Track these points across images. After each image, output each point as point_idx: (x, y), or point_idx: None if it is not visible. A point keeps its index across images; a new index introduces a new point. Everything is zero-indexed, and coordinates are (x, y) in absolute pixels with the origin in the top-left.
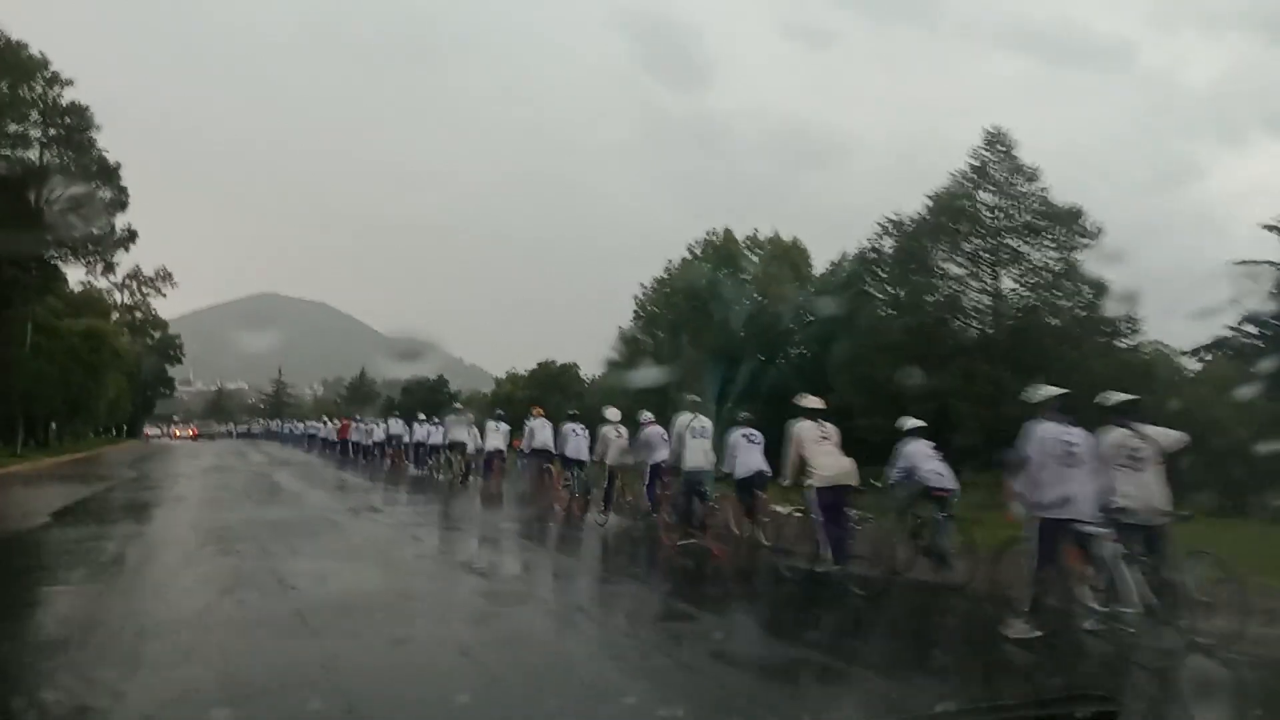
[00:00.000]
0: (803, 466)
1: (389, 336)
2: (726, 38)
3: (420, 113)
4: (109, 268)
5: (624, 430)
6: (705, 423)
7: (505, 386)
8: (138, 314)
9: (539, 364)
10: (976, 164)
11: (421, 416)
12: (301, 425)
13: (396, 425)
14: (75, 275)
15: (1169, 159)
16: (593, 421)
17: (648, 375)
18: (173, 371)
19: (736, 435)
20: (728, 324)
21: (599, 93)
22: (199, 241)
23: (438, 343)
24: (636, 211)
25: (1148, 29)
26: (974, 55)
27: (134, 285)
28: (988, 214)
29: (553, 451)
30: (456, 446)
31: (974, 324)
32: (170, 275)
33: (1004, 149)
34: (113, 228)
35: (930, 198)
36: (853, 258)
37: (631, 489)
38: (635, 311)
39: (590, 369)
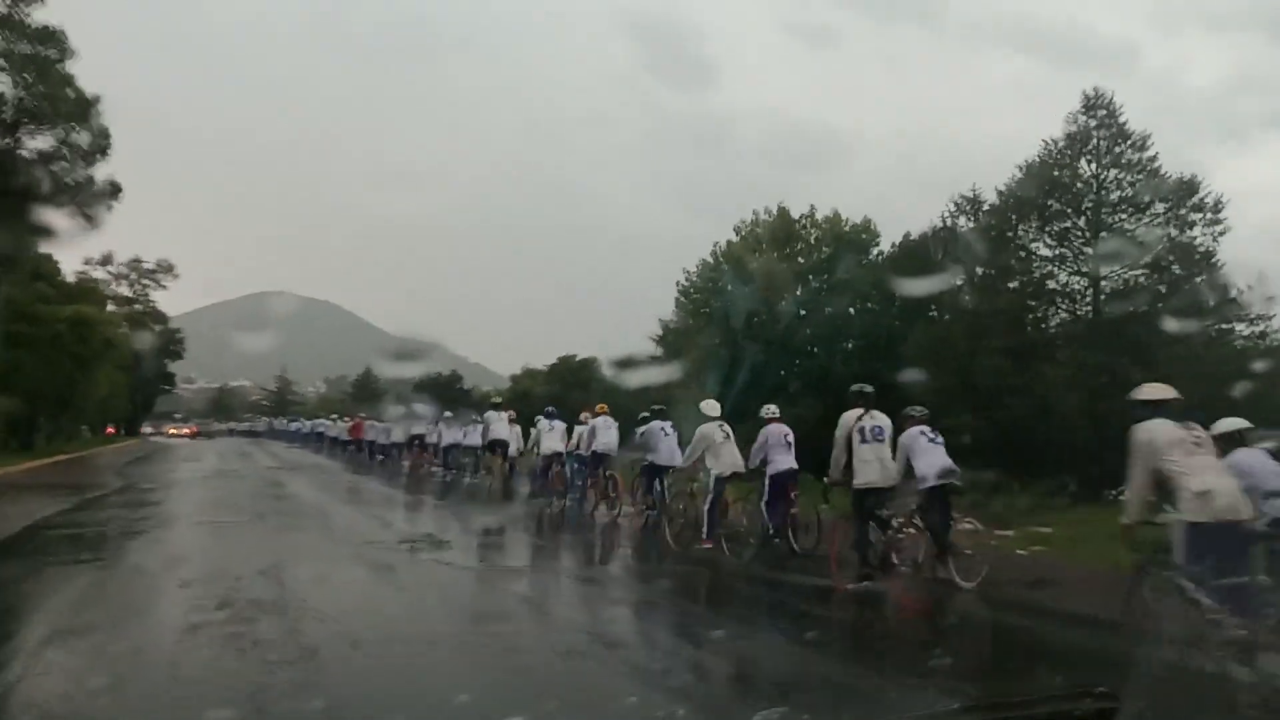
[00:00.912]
0: (1149, 492)
1: (392, 334)
2: (729, 37)
3: (423, 112)
4: (89, 220)
5: (729, 429)
6: (881, 420)
7: (524, 382)
8: (137, 306)
9: (559, 358)
10: (1073, 130)
11: (448, 414)
12: (308, 423)
13: (421, 424)
14: (70, 265)
15: (1172, 159)
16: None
17: (689, 367)
18: (175, 368)
19: (913, 433)
20: (780, 309)
21: (601, 92)
22: (202, 239)
23: (441, 341)
24: (637, 211)
25: (1151, 30)
26: (976, 55)
27: (133, 277)
28: (1083, 186)
29: (614, 455)
30: (498, 446)
31: (1064, 308)
32: (172, 267)
33: (1106, 112)
34: (91, 179)
35: (1021, 169)
36: (917, 238)
37: (744, 505)
38: (677, 298)
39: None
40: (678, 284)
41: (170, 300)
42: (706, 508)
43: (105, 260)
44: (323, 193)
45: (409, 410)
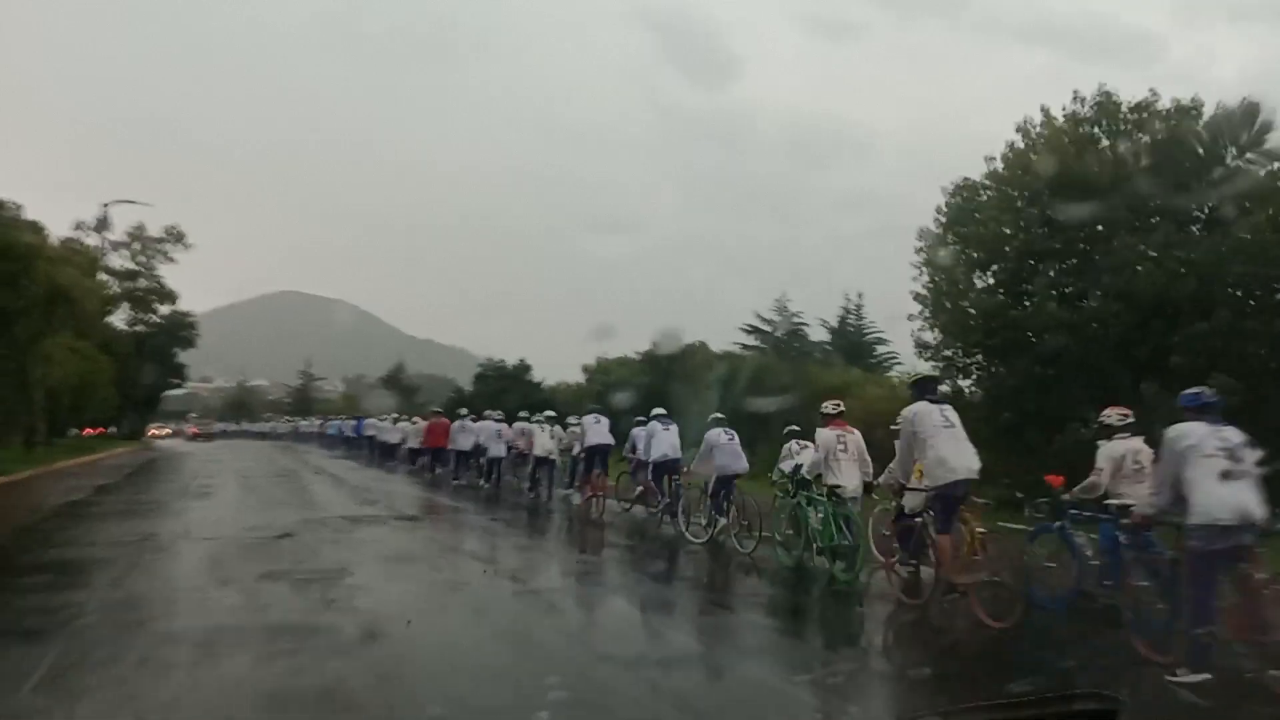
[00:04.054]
0: None
1: (409, 334)
2: (749, 32)
3: (440, 110)
4: None
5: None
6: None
7: (617, 371)
8: (141, 282)
9: (653, 343)
10: None
11: (660, 410)
12: (349, 423)
13: (599, 429)
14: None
15: None
16: None
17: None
18: (187, 360)
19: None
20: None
21: (620, 89)
22: (220, 239)
23: (459, 342)
24: (654, 209)
25: (1174, 23)
26: (997, 49)
27: (136, 247)
28: None
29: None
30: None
31: None
32: (182, 235)
33: None
34: None
35: None
36: None
37: None
38: (937, 227)
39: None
40: (937, 209)
41: (189, 297)
42: None
43: (100, 226)
44: (342, 192)
45: (590, 410)
